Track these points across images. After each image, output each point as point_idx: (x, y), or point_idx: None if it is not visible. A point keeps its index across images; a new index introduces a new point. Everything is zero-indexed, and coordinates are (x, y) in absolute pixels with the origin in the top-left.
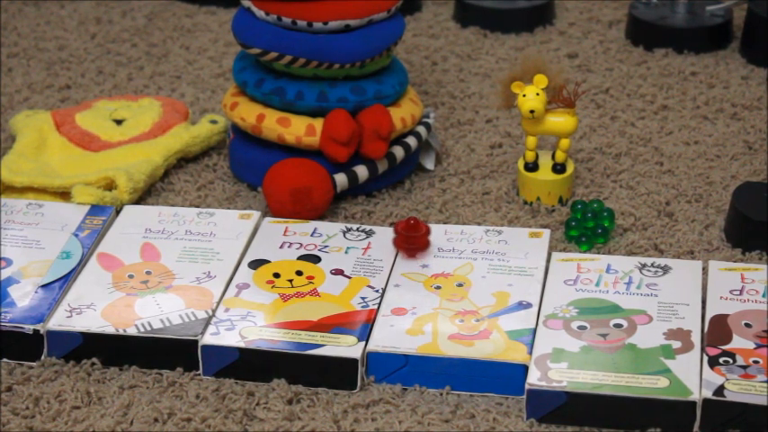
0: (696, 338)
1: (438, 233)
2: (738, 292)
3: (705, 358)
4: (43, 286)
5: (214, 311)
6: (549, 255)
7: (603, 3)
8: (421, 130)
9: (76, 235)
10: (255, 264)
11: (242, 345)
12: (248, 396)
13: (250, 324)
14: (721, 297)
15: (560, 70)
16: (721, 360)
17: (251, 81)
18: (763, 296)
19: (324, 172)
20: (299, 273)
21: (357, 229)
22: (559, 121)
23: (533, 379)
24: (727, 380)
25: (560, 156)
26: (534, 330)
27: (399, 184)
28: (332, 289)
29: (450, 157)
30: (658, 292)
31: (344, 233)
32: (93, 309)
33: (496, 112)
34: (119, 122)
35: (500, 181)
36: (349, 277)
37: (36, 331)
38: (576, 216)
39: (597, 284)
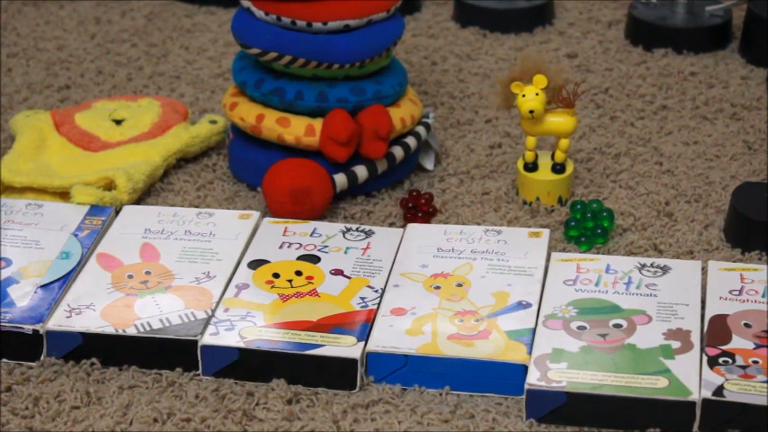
0: (696, 338)
1: (437, 233)
2: (738, 293)
3: (704, 358)
4: (43, 286)
5: (213, 311)
6: (549, 255)
7: (603, 3)
8: (420, 130)
9: (76, 235)
10: (255, 264)
11: (241, 345)
12: (248, 396)
13: (249, 324)
14: (721, 297)
15: (560, 70)
16: (721, 360)
17: (250, 81)
18: (763, 296)
19: (323, 172)
20: (298, 273)
21: (356, 230)
22: (559, 121)
23: (533, 379)
24: (727, 380)
25: (560, 156)
26: (534, 330)
27: (399, 184)
28: (331, 289)
29: (449, 157)
30: (658, 293)
31: (344, 233)
32: (92, 309)
33: (496, 112)
34: (118, 122)
35: (499, 181)
36: (348, 277)
37: (35, 331)
38: (575, 216)
39: (597, 284)
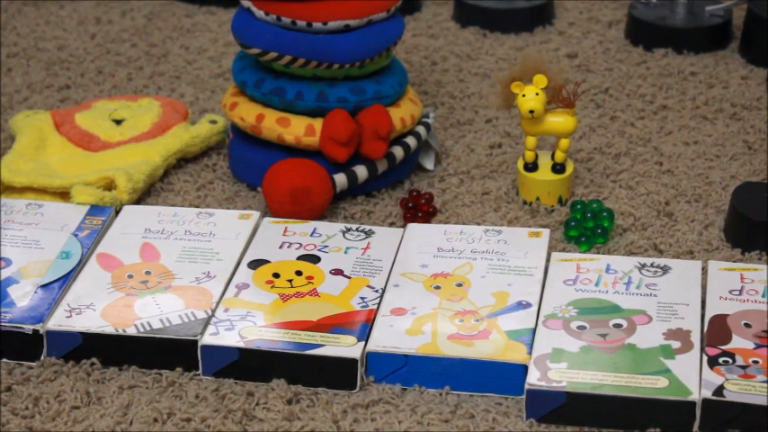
0: (696, 338)
1: (437, 233)
2: (738, 293)
3: (705, 358)
4: (43, 286)
5: (213, 311)
6: (549, 255)
7: (603, 3)
8: (420, 130)
9: (76, 235)
10: (255, 264)
11: (241, 345)
12: (248, 396)
13: (249, 324)
14: (721, 297)
15: (560, 70)
16: (721, 360)
17: (250, 81)
18: (763, 296)
19: (323, 172)
20: (298, 273)
21: (357, 229)
22: (559, 121)
23: (533, 379)
24: (727, 380)
25: (560, 156)
26: (534, 330)
27: (399, 184)
28: (331, 289)
29: (449, 157)
30: (658, 292)
31: (344, 233)
32: (92, 309)
33: (496, 112)
34: (118, 122)
35: (500, 181)
36: (348, 277)
37: (35, 331)
38: (575, 216)
39: (597, 284)
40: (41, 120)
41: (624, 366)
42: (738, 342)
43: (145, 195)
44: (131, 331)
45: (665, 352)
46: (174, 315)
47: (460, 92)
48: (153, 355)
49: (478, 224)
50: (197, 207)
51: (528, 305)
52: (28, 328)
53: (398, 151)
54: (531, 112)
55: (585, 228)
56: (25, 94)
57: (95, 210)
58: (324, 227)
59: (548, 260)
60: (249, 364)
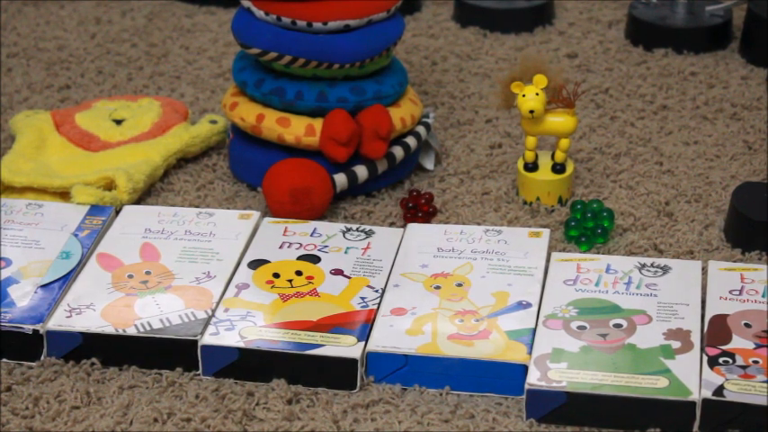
0: (696, 338)
1: (437, 233)
2: (738, 293)
3: (705, 358)
4: (43, 286)
5: (214, 311)
6: (549, 255)
7: (603, 3)
8: (420, 130)
9: (76, 235)
10: (255, 264)
11: (241, 345)
12: (248, 396)
13: (249, 324)
14: (721, 297)
15: (560, 70)
16: (721, 360)
17: (250, 81)
18: (763, 296)
19: (323, 172)
20: (298, 273)
21: (357, 229)
22: (559, 121)
23: (533, 379)
24: (727, 380)
25: (560, 156)
26: (534, 330)
27: (399, 184)
28: (331, 289)
29: (449, 157)
30: (658, 293)
31: (344, 233)
32: (92, 309)
33: (496, 112)
34: (118, 122)
35: (500, 181)
36: (349, 277)
37: (35, 331)
38: (575, 216)
39: (597, 284)
40: (41, 120)
41: (624, 366)
42: (738, 342)
43: (145, 195)
44: (131, 331)
45: (665, 352)
46: (174, 315)
47: (460, 92)
48: (153, 355)
49: (478, 224)
50: (197, 207)
51: (528, 305)
52: (28, 328)
53: (398, 151)
54: (531, 112)
55: (585, 228)
56: (25, 94)
57: (95, 210)
58: (324, 227)
59: (548, 260)
60: (249, 364)
